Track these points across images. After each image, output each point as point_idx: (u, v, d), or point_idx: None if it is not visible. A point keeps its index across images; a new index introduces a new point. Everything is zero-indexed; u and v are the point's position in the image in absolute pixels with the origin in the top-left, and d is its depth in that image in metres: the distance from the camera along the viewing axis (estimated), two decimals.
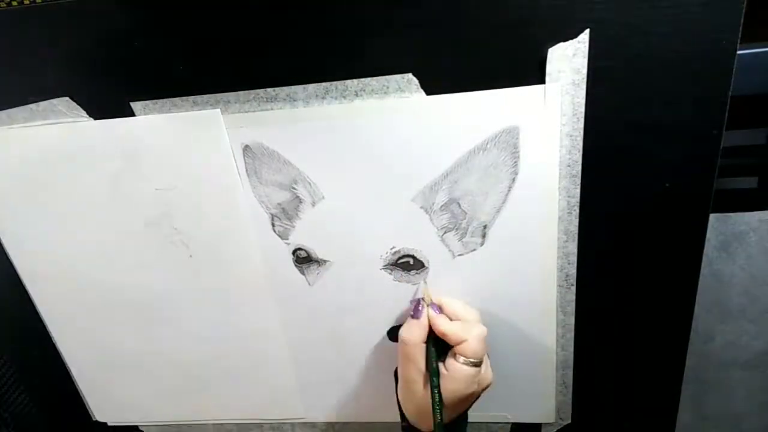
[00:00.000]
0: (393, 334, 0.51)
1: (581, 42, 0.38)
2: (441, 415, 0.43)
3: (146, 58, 0.43)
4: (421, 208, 0.45)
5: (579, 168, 0.43)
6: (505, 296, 0.47)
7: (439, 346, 0.45)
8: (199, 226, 0.49)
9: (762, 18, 0.42)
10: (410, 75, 0.41)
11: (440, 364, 0.44)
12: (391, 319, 0.51)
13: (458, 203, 0.45)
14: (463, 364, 0.43)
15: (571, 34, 0.38)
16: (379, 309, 0.50)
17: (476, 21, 0.39)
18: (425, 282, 0.48)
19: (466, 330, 0.44)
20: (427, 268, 0.48)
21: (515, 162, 0.43)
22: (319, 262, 0.49)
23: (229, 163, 0.46)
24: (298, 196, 0.47)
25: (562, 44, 0.38)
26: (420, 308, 0.46)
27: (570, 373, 0.52)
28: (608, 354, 0.52)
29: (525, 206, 0.44)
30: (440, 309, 0.46)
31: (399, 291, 0.49)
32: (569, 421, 0.56)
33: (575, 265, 0.47)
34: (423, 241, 0.47)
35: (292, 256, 0.49)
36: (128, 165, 0.47)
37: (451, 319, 0.45)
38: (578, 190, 0.43)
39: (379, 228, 0.46)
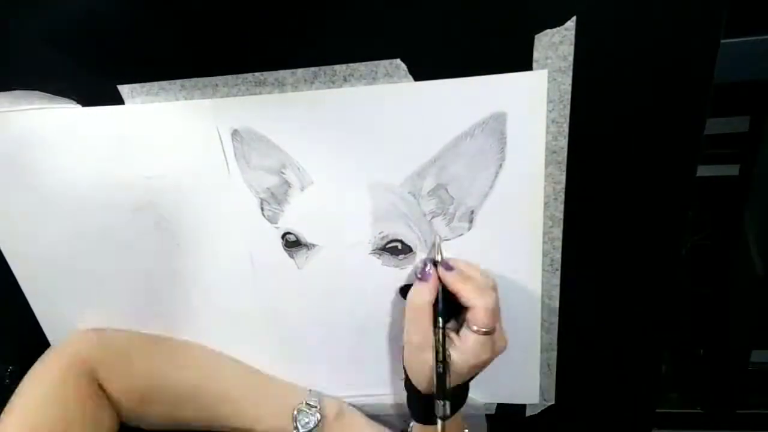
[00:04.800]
0: (405, 292, 0.49)
1: (568, 29, 0.38)
2: (447, 384, 0.42)
3: (133, 41, 0.43)
4: (409, 193, 0.46)
5: (565, 154, 0.43)
6: None
7: (448, 311, 0.44)
8: (188, 212, 0.49)
9: (746, 7, 0.43)
10: (398, 61, 0.41)
11: (451, 332, 0.43)
12: (379, 303, 0.51)
13: (446, 189, 0.45)
14: (476, 333, 0.42)
15: (558, 21, 0.38)
16: (367, 293, 0.51)
17: (464, 7, 0.39)
18: (440, 238, 0.46)
19: (477, 294, 0.42)
20: (415, 252, 0.48)
21: (502, 148, 0.43)
22: (308, 246, 0.50)
23: (217, 148, 0.46)
24: (287, 181, 0.47)
25: (548, 31, 0.39)
26: (427, 270, 0.45)
27: (554, 355, 0.53)
28: (591, 337, 0.53)
29: (511, 192, 0.45)
30: (452, 268, 0.44)
31: (387, 275, 0.50)
32: (553, 402, 0.57)
33: (560, 250, 0.47)
34: (411, 226, 0.47)
35: (281, 240, 0.50)
36: (117, 152, 0.47)
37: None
38: (564, 176, 0.44)
39: (367, 213, 0.47)
